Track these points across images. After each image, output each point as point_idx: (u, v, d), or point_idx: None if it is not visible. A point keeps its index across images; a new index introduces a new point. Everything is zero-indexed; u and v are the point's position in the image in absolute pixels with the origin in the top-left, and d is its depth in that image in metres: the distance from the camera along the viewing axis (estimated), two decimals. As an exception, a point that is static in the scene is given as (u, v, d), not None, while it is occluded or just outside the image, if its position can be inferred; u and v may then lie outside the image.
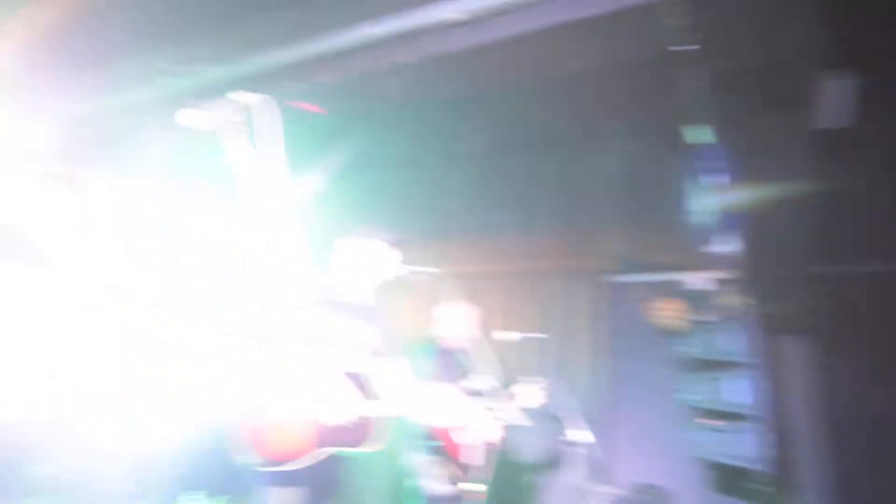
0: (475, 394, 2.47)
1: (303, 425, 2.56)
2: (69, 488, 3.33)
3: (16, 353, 2.69)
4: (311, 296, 2.44)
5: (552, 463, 5.63)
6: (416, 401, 2.91)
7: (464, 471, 3.94)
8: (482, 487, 2.36)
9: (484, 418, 2.49)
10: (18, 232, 2.72)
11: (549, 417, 4.73)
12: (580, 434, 3.93)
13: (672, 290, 5.67)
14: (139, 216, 4.12)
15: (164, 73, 3.69)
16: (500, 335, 4.02)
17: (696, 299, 5.60)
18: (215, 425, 2.46)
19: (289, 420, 2.55)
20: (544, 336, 4.26)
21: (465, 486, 2.93)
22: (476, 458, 2.41)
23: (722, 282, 5.59)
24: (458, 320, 4.40)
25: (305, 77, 3.02)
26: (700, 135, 3.63)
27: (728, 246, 4.84)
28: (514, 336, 4.23)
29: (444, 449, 3.88)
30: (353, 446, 2.64)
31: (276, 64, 3.00)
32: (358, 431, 2.66)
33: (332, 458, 2.64)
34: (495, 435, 2.58)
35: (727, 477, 4.80)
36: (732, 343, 4.89)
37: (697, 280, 5.77)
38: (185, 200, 4.66)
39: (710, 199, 4.24)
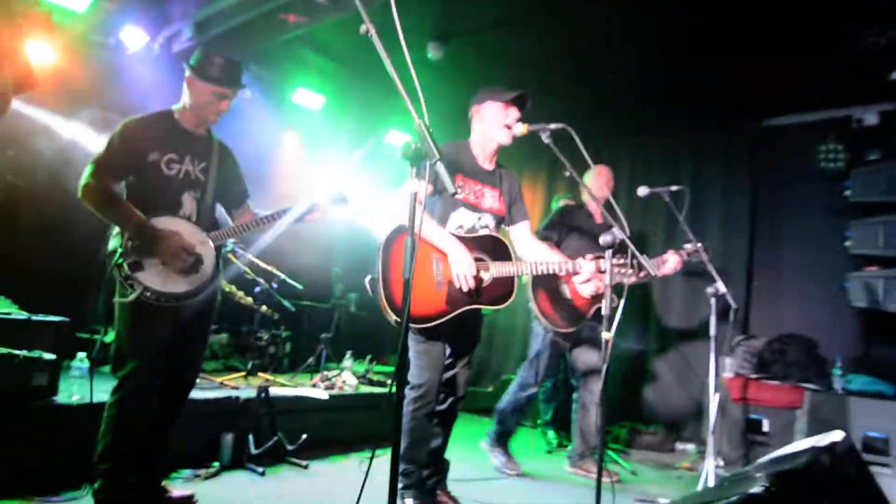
0: (608, 247, 2.42)
1: (444, 286, 2.70)
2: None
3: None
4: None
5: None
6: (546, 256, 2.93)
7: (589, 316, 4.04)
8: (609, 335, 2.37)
9: (615, 272, 2.46)
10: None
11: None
12: (721, 287, 3.81)
13: (831, 131, 5.09)
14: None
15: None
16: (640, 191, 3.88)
17: (858, 137, 4.99)
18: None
19: (432, 282, 2.70)
20: (681, 188, 4.03)
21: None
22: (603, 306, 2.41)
23: (891, 115, 4.90)
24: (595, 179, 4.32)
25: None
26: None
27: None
28: (644, 191, 4.07)
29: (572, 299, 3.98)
30: (493, 304, 2.76)
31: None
32: (497, 289, 2.76)
33: (472, 314, 2.79)
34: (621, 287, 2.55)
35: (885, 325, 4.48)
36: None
37: (862, 115, 5.10)
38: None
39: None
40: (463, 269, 2.66)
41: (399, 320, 2.54)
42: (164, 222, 2.53)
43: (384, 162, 6.53)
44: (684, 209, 4.07)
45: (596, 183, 5.09)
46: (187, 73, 2.68)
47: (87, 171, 2.50)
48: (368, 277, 2.72)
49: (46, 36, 4.06)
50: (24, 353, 2.78)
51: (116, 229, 2.53)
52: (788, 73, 4.73)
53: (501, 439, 4.18)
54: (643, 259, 2.46)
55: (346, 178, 5.89)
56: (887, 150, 4.61)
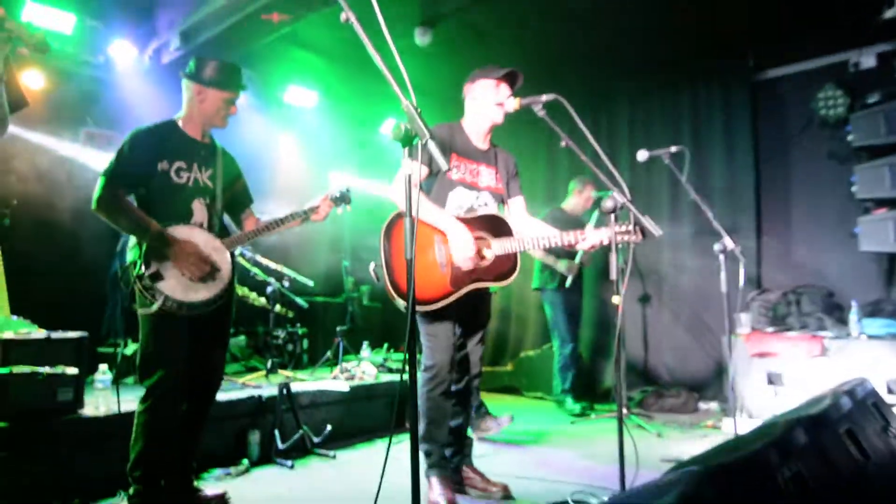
0: (610, 211, 2.43)
1: (447, 267, 2.72)
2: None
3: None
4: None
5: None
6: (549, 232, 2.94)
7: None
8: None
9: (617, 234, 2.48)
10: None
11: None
12: (729, 242, 3.80)
13: (829, 77, 5.03)
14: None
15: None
16: (639, 155, 3.87)
17: (856, 82, 4.93)
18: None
19: (435, 263, 2.72)
20: (681, 148, 4.01)
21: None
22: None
23: (888, 55, 4.84)
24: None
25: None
26: None
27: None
28: (643, 155, 4.05)
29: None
30: (497, 281, 2.78)
31: None
32: (501, 266, 2.78)
33: (479, 293, 2.81)
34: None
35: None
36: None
37: (858, 58, 5.03)
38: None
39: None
40: (462, 248, 2.68)
41: (406, 304, 2.56)
42: (179, 231, 2.57)
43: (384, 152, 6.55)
44: (685, 169, 4.06)
45: (579, 199, 5.19)
46: (191, 82, 2.70)
47: (100, 183, 2.52)
48: (372, 265, 2.74)
49: (39, 57, 4.10)
50: (47, 369, 2.84)
51: (133, 241, 2.56)
52: (783, 20, 4.68)
53: (567, 392, 5.10)
54: (646, 220, 2.46)
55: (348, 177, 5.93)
56: (886, 91, 4.55)
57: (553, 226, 2.99)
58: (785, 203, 5.39)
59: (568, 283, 5.01)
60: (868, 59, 5.01)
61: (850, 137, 4.62)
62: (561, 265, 4.98)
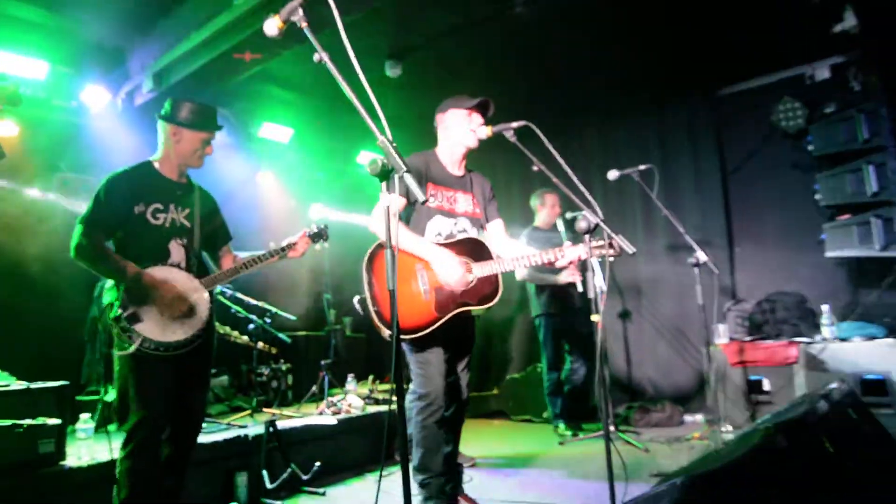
0: (585, 232, 2.50)
1: (431, 293, 2.75)
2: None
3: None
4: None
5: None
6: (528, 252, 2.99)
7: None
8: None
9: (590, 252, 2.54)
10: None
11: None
12: (701, 255, 3.90)
13: (787, 90, 5.24)
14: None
15: None
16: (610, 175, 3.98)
17: (813, 93, 5.13)
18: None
19: (418, 291, 2.75)
20: (649, 167, 4.14)
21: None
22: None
23: (841, 67, 5.05)
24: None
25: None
26: None
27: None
28: (614, 174, 4.17)
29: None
30: (481, 304, 2.82)
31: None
32: (483, 289, 2.82)
33: (463, 317, 2.84)
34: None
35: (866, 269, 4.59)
36: (856, 131, 4.48)
37: (813, 71, 5.25)
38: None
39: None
40: (450, 271, 2.71)
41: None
42: (157, 272, 2.57)
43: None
44: (655, 186, 4.18)
45: (546, 210, 5.27)
46: (167, 124, 2.73)
47: (77, 230, 2.52)
48: (357, 298, 2.77)
49: (13, 109, 4.10)
50: (28, 421, 2.78)
51: (109, 283, 2.56)
52: (740, 39, 4.87)
53: (559, 417, 5.12)
54: (619, 239, 2.53)
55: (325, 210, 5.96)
56: (842, 101, 4.75)
57: (534, 245, 3.05)
58: (753, 213, 5.55)
59: (579, 287, 4.87)
60: (822, 72, 5.24)
61: (810, 147, 4.79)
62: (563, 276, 4.86)
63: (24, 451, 2.76)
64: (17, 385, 3.01)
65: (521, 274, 5.10)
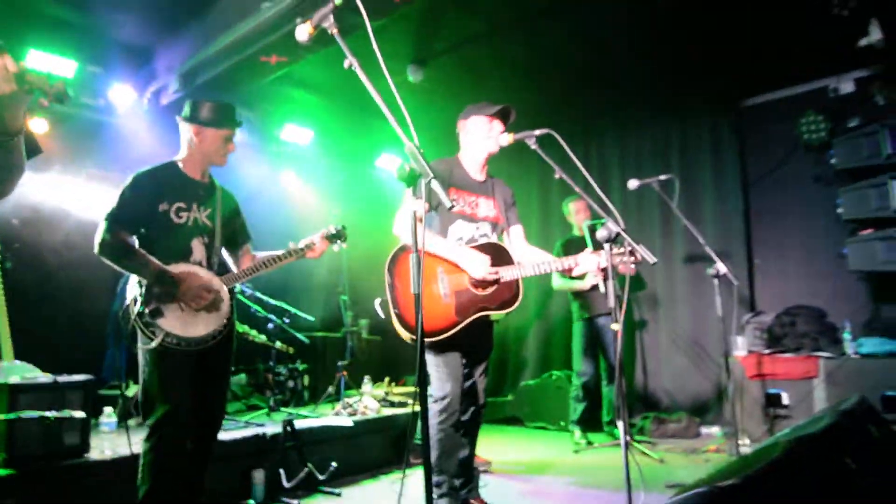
0: (606, 240, 2.51)
1: (451, 297, 2.78)
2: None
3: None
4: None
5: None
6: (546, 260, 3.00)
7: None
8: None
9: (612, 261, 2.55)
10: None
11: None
12: (721, 267, 3.89)
13: (810, 103, 5.20)
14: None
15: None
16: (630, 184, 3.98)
17: (836, 106, 5.09)
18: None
19: (439, 295, 2.78)
20: (670, 177, 4.14)
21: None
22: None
23: (866, 81, 5.01)
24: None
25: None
26: None
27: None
28: (634, 184, 4.17)
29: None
30: (501, 309, 2.84)
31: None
32: (503, 294, 2.84)
33: (482, 322, 2.86)
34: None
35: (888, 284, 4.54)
36: (880, 146, 4.44)
37: (837, 84, 5.21)
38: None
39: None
40: (478, 266, 2.75)
41: (414, 338, 2.61)
42: (179, 268, 2.62)
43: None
44: (676, 196, 4.17)
45: (577, 218, 5.28)
46: (190, 124, 2.78)
47: (103, 226, 2.58)
48: (378, 300, 2.80)
49: (57, 106, 4.19)
50: (54, 413, 2.85)
51: (133, 279, 2.61)
52: (764, 51, 4.85)
53: (580, 421, 5.08)
54: (640, 248, 2.54)
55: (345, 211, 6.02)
56: (865, 115, 4.71)
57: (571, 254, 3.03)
58: (774, 226, 5.51)
59: (600, 288, 4.85)
60: (846, 85, 5.19)
61: (833, 161, 4.76)
62: (587, 281, 4.86)
63: (51, 442, 2.82)
64: (45, 378, 3.08)
65: (556, 282, 5.15)
